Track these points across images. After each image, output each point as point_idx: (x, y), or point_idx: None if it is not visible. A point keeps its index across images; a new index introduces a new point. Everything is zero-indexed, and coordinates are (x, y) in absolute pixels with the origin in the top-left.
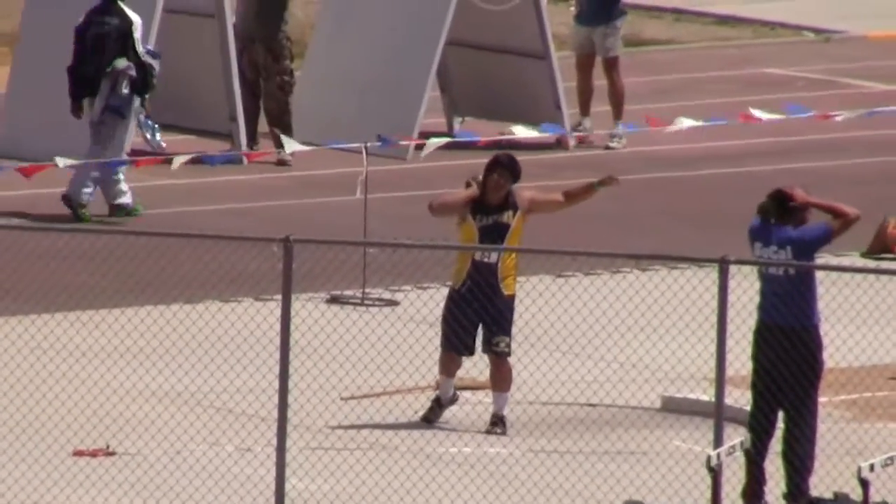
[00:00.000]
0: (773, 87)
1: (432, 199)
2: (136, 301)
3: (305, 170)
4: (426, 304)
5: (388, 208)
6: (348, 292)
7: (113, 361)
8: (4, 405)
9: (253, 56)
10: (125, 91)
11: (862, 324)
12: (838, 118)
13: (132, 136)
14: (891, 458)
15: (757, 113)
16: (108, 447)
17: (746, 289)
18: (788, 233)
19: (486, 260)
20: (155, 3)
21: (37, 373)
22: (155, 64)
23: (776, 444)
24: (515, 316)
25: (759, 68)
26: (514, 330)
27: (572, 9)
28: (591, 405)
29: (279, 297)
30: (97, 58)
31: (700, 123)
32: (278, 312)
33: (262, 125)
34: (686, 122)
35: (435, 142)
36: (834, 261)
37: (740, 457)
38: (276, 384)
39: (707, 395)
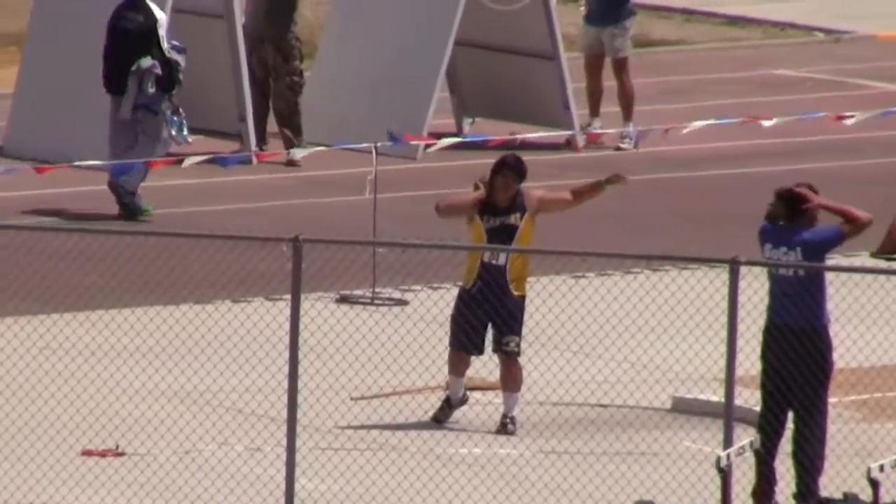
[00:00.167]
0: (783, 87)
1: (439, 201)
2: (146, 301)
3: (315, 170)
4: (436, 303)
5: (398, 208)
6: (358, 292)
7: (122, 361)
8: (13, 405)
9: (262, 56)
10: (152, 89)
11: (872, 324)
12: (851, 120)
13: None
14: None
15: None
16: (117, 447)
17: (757, 289)
18: (799, 234)
19: (494, 262)
20: (164, 3)
21: (46, 372)
22: (180, 59)
23: (786, 445)
24: (526, 316)
25: (769, 69)
26: (525, 330)
27: (581, 9)
28: (601, 406)
29: (289, 296)
30: (122, 54)
31: (710, 122)
32: (288, 312)
33: (272, 125)
34: (697, 123)
35: (446, 141)
36: (844, 261)
37: (750, 457)
38: (286, 384)
39: (717, 396)
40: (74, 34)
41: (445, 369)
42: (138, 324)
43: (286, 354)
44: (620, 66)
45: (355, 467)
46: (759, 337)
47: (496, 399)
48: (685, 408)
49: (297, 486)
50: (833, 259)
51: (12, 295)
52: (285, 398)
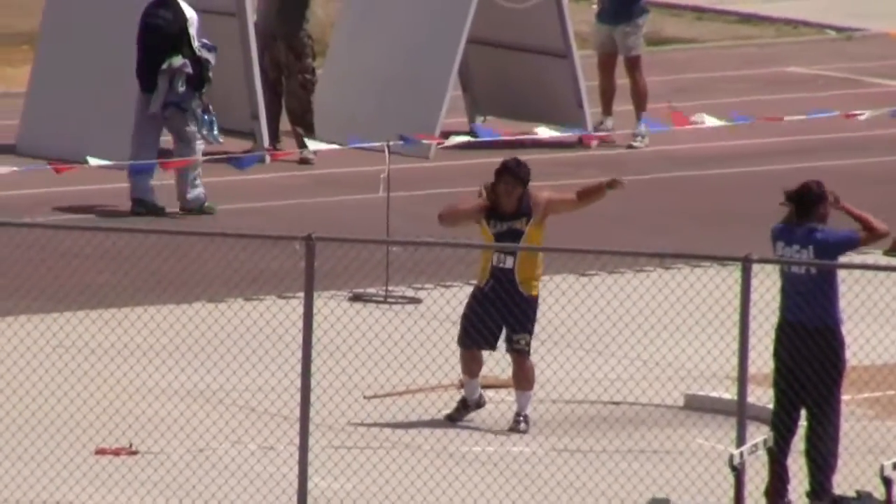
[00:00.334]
0: (795, 85)
1: (442, 210)
2: (159, 299)
3: (327, 168)
4: (449, 302)
5: (411, 206)
6: (371, 290)
7: (136, 360)
8: (27, 403)
9: (275, 54)
10: (182, 88)
11: (885, 322)
12: (862, 117)
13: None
14: None
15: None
16: (130, 446)
17: (769, 287)
18: (813, 232)
19: (502, 266)
20: None
21: (59, 371)
22: (210, 58)
23: (799, 443)
24: (539, 314)
25: (781, 67)
26: (538, 328)
27: (594, 7)
28: (614, 403)
29: (302, 295)
30: (152, 51)
31: (723, 123)
32: (301, 311)
33: (284, 123)
34: (708, 120)
35: (458, 139)
36: (857, 259)
37: (763, 455)
38: (299, 382)
39: (730, 394)
40: (87, 33)
41: (458, 367)
42: (151, 322)
43: (299, 353)
44: (633, 64)
45: (368, 466)
46: (772, 335)
47: (509, 397)
48: (698, 405)
49: (311, 485)
50: (846, 257)
51: (25, 293)
52: (298, 397)
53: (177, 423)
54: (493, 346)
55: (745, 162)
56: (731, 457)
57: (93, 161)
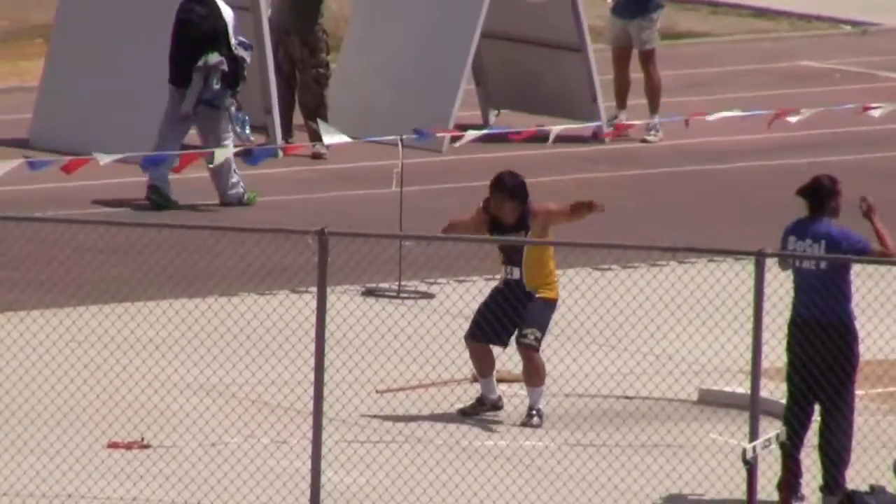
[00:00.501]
0: (810, 79)
1: (443, 226)
2: (172, 293)
3: (340, 163)
4: (462, 296)
5: (424, 201)
6: (384, 285)
7: (148, 354)
8: (39, 397)
9: (289, 49)
10: (217, 86)
11: None
12: (877, 112)
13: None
14: None
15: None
16: (143, 439)
17: (783, 281)
18: (826, 228)
19: (509, 277)
20: None
21: (72, 365)
22: (246, 56)
23: (812, 437)
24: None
25: (796, 61)
26: (551, 323)
27: (608, 1)
28: (627, 398)
29: (314, 289)
30: (186, 47)
31: (737, 113)
32: (314, 305)
33: (297, 118)
34: (723, 114)
35: (472, 133)
36: None
37: (776, 450)
38: (312, 377)
39: (743, 388)
40: (101, 27)
41: (471, 362)
42: (164, 316)
43: (312, 347)
44: (648, 59)
45: (381, 460)
46: (785, 329)
47: (521, 391)
48: (711, 400)
49: (324, 479)
50: None
51: (39, 287)
52: (311, 391)
53: (189, 417)
54: (502, 343)
55: (759, 156)
56: (745, 451)
57: (103, 158)
